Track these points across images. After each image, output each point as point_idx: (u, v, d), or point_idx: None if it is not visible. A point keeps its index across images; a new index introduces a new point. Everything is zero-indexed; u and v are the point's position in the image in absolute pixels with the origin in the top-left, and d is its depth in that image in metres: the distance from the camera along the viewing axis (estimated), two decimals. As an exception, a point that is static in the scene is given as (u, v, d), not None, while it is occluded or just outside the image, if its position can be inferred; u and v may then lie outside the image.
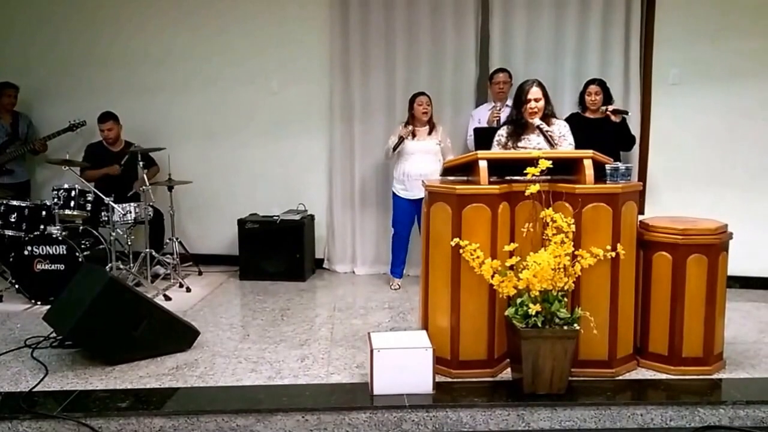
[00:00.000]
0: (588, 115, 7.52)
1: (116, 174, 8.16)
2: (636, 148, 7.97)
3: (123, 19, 8.93)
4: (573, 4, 8.14)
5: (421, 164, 7.57)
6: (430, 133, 7.80)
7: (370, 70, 8.51)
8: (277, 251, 8.36)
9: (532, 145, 5.73)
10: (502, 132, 5.88)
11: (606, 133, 7.24)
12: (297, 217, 8.45)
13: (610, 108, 7.29)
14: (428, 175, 7.09)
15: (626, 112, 7.38)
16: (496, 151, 5.67)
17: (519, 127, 5.81)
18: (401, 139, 7.63)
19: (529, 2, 8.22)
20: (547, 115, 5.86)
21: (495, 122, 7.57)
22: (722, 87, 7.92)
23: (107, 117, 8.31)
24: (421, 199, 7.18)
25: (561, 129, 5.92)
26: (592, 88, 7.49)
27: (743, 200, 7.80)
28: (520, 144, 5.76)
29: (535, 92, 5.74)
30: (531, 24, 8.26)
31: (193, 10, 8.81)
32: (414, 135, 7.71)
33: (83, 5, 8.96)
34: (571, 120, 7.39)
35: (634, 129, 7.79)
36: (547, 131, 5.80)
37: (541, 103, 5.76)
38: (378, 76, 8.51)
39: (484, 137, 7.16)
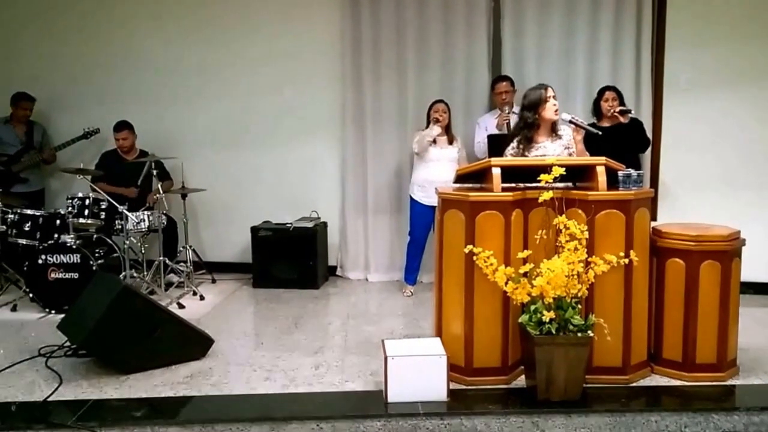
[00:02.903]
0: (602, 123, 7.49)
1: (132, 196, 8.17)
2: (647, 153, 7.96)
3: (137, 29, 8.98)
4: (584, 9, 8.16)
5: (444, 172, 7.48)
6: (450, 142, 7.81)
7: (381, 77, 8.53)
8: (290, 259, 8.36)
9: (549, 152, 5.69)
10: (513, 144, 5.82)
11: (622, 140, 7.23)
12: (310, 225, 8.46)
13: (618, 109, 7.29)
14: (449, 183, 7.13)
15: (630, 111, 7.36)
16: (509, 158, 5.65)
17: (531, 129, 5.76)
18: (436, 120, 7.61)
19: (541, 8, 8.24)
20: (572, 124, 5.84)
21: (504, 126, 7.58)
22: (734, 92, 7.92)
23: (123, 126, 8.35)
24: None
25: (570, 133, 5.90)
26: (609, 94, 7.49)
27: (756, 206, 7.80)
28: (536, 153, 5.70)
29: (551, 91, 5.71)
30: (542, 29, 8.27)
31: (205, 20, 8.86)
32: (435, 142, 7.69)
33: (98, 17, 9.01)
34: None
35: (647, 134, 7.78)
36: (579, 122, 5.78)
37: (558, 103, 5.75)
38: (390, 83, 8.52)
39: (497, 144, 7.16)
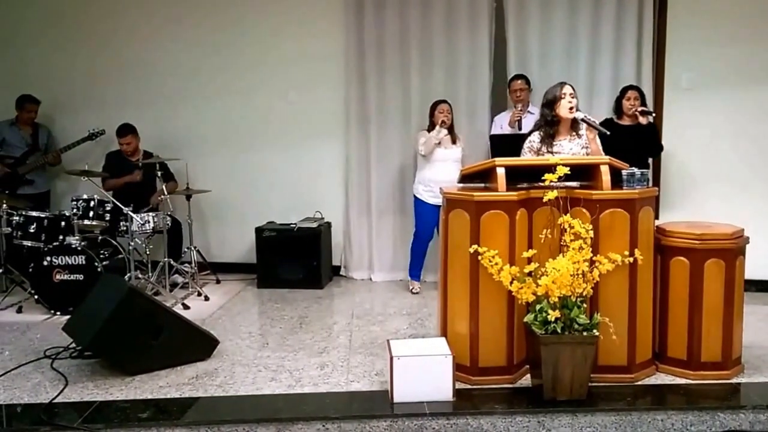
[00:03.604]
0: (622, 122, 7.52)
1: (138, 180, 8.21)
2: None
3: (141, 32, 9.00)
4: (586, 9, 8.18)
5: (449, 171, 7.58)
6: (454, 141, 7.87)
7: (385, 78, 8.55)
8: (295, 259, 8.38)
9: (565, 150, 5.71)
10: (534, 138, 5.81)
11: (638, 140, 7.25)
12: (314, 225, 8.48)
13: (639, 108, 7.31)
14: (454, 182, 7.23)
15: (652, 113, 7.39)
16: (513, 158, 5.64)
17: (552, 126, 5.76)
18: (443, 123, 7.67)
19: (543, 8, 8.25)
20: (584, 122, 5.83)
21: (516, 124, 7.62)
22: (735, 91, 7.95)
23: (126, 131, 8.35)
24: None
25: (587, 133, 5.89)
26: (632, 93, 7.51)
27: (757, 204, 7.82)
28: (553, 150, 5.72)
29: (569, 89, 5.72)
30: (545, 29, 8.30)
31: (208, 22, 8.88)
32: (440, 143, 7.73)
33: (103, 20, 9.03)
34: (604, 125, 7.41)
35: (648, 133, 7.78)
36: (591, 121, 5.77)
37: (576, 101, 5.74)
38: (393, 83, 8.55)
39: (500, 144, 7.19)
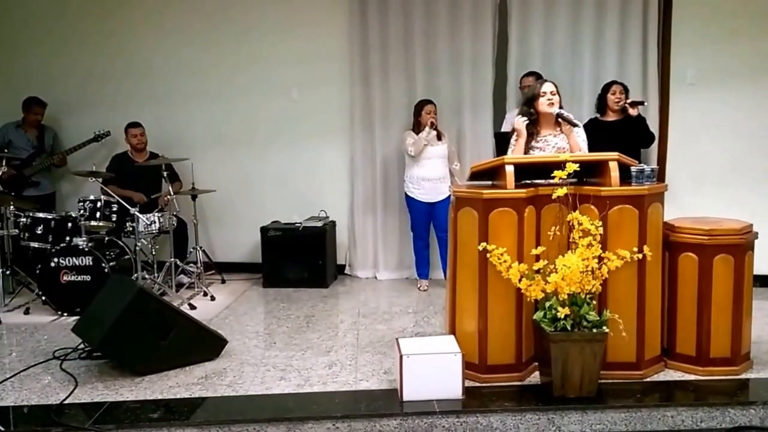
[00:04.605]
0: (606, 118, 7.54)
1: (141, 202, 8.17)
2: (654, 148, 8.00)
3: (145, 32, 9.02)
4: (590, 7, 8.17)
5: (437, 168, 7.89)
6: (439, 138, 7.93)
7: (389, 76, 8.55)
8: (300, 258, 8.39)
9: (551, 145, 5.70)
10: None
11: (625, 135, 7.26)
12: (319, 224, 8.49)
13: (628, 101, 7.35)
14: (442, 178, 7.72)
15: (642, 102, 7.46)
16: (522, 156, 5.62)
17: (532, 124, 5.74)
18: (431, 124, 7.77)
19: (546, 6, 8.25)
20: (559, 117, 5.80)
21: None
22: (739, 87, 7.96)
23: (137, 123, 8.46)
24: (437, 201, 7.52)
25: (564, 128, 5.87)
26: (616, 87, 7.53)
27: (762, 199, 7.82)
28: (537, 145, 5.72)
29: (549, 86, 5.72)
30: (548, 27, 8.29)
31: (212, 21, 8.89)
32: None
33: (106, 20, 9.04)
34: (589, 126, 7.41)
35: (653, 129, 7.76)
36: (566, 116, 5.75)
37: (557, 97, 5.73)
38: (397, 82, 8.56)
39: (505, 142, 7.18)
